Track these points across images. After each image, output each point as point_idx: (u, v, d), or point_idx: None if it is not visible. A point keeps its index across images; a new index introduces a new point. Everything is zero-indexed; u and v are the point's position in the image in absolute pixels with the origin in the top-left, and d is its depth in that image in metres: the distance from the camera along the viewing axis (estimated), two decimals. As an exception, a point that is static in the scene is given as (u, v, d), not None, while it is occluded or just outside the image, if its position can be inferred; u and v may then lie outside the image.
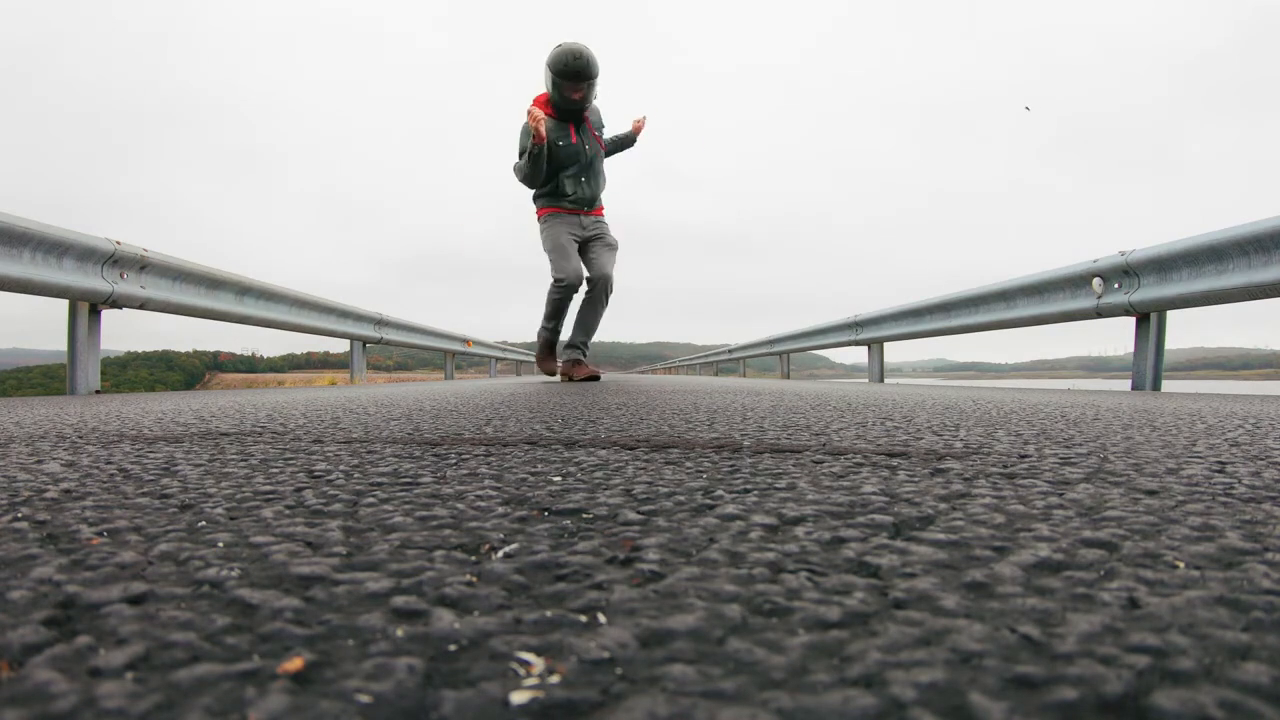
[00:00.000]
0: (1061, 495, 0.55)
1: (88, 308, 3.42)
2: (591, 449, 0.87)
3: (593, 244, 4.64)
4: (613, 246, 4.66)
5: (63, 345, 3.44)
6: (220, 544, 0.41)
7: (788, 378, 9.55)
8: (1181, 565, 0.36)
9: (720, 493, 0.57)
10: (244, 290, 4.62)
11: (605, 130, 4.71)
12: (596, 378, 4.50)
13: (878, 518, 0.47)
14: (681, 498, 0.55)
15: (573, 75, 4.11)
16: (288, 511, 0.50)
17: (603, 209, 4.76)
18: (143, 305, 3.71)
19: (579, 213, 4.59)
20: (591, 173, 4.57)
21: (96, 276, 3.34)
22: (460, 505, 0.52)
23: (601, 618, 0.29)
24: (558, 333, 4.78)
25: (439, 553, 0.39)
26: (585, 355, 4.67)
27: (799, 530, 0.44)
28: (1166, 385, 3.64)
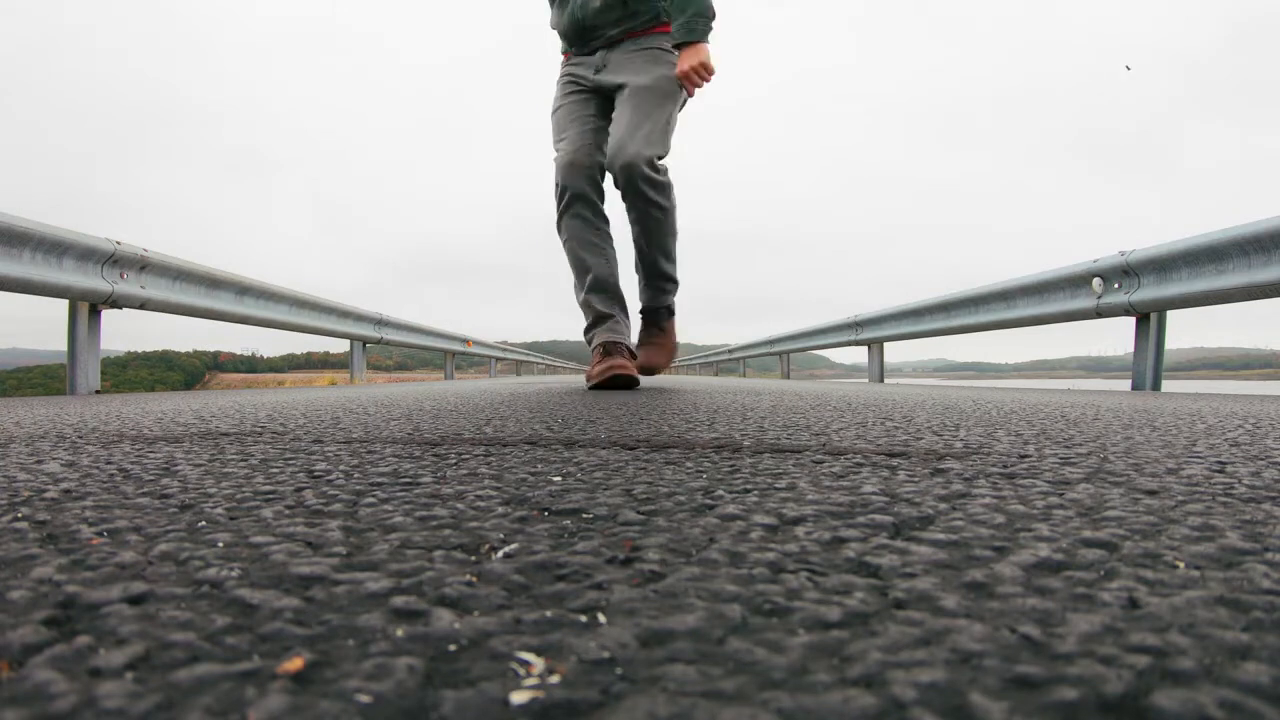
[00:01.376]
0: (1061, 495, 0.55)
1: (88, 308, 3.42)
2: (591, 449, 0.87)
3: (617, 99, 2.52)
4: (649, 91, 2.44)
5: (63, 345, 3.44)
6: (220, 544, 0.41)
7: (788, 378, 9.55)
8: (1181, 565, 0.36)
9: (720, 493, 0.57)
10: (244, 290, 4.62)
11: None
12: (629, 381, 2.51)
13: (878, 518, 0.47)
14: (681, 498, 0.55)
15: None
16: (288, 511, 0.50)
17: (645, 30, 2.53)
18: (143, 305, 3.71)
19: (587, 52, 2.62)
20: None
21: (96, 276, 3.34)
22: (460, 505, 0.52)
23: (601, 618, 0.29)
24: (598, 310, 2.60)
25: (439, 553, 0.39)
26: (661, 314, 2.70)
27: (799, 530, 0.44)
28: (1166, 385, 3.64)
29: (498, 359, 12.56)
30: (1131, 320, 3.72)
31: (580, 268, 2.61)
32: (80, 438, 1.03)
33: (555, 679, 0.24)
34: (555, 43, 2.81)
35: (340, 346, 6.79)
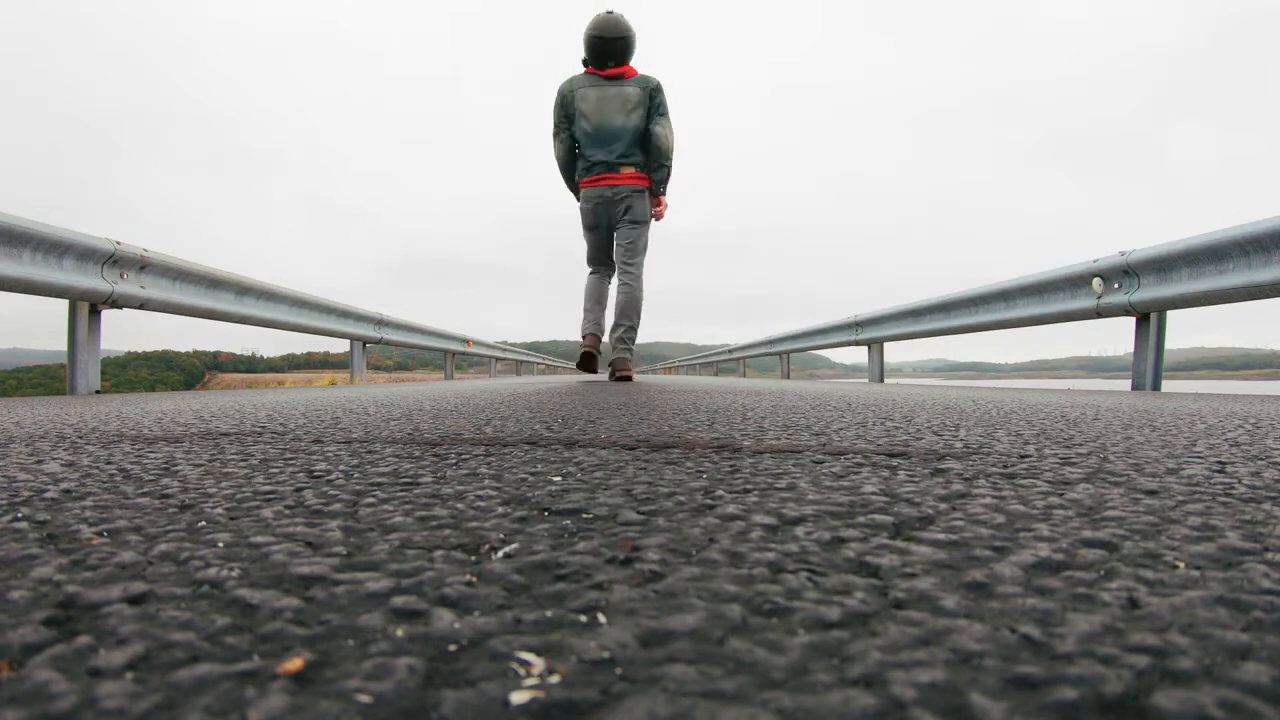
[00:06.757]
0: (1061, 495, 0.55)
1: (88, 308, 3.42)
2: (591, 449, 0.87)
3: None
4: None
5: (63, 345, 3.44)
6: (220, 544, 0.41)
7: (788, 378, 9.55)
8: (1181, 565, 0.36)
9: (720, 493, 0.57)
10: (244, 290, 4.62)
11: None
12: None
13: (878, 518, 0.47)
14: (681, 498, 0.55)
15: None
16: (288, 511, 0.50)
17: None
18: (143, 305, 3.71)
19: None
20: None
21: (96, 276, 3.34)
22: (460, 505, 0.52)
23: (601, 618, 0.29)
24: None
25: (439, 553, 0.39)
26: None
27: (799, 530, 0.44)
28: (1166, 385, 3.64)
29: (498, 359, 12.55)
30: (1131, 320, 3.72)
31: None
32: (80, 438, 1.03)
33: (555, 679, 0.24)
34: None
35: (340, 346, 6.80)
